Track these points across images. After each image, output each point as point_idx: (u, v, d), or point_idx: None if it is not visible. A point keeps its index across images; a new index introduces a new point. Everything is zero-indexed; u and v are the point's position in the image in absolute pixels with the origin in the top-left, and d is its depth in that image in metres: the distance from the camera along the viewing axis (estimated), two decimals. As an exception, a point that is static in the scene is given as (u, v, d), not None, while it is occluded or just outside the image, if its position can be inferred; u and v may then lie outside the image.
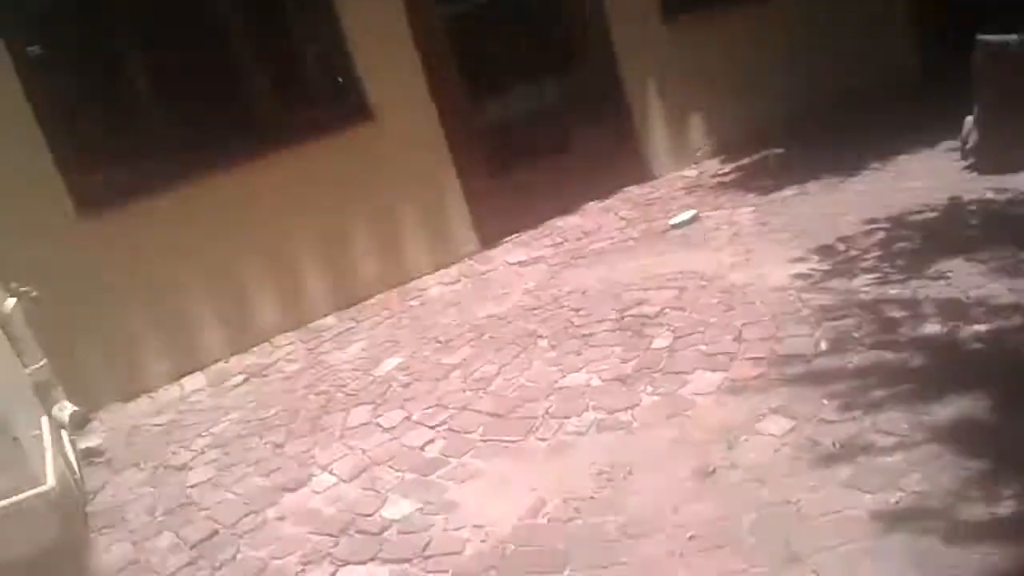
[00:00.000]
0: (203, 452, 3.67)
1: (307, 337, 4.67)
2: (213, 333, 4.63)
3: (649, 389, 3.15)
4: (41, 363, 3.87)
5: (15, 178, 4.07)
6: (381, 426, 3.45)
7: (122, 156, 4.45)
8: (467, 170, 5.23)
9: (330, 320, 4.81)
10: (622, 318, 3.79)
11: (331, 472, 3.22)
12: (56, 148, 4.18)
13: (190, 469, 3.55)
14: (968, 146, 4.61)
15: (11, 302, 3.79)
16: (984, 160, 4.47)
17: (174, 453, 3.74)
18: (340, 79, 4.99)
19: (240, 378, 4.38)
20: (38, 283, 3.86)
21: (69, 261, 4.18)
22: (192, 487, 3.41)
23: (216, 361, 4.60)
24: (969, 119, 4.60)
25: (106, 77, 4.51)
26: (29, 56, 4.18)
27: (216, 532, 3.04)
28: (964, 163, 4.60)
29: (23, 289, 3.90)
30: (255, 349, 4.65)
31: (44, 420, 3.59)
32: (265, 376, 4.34)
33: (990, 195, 4.12)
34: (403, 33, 4.96)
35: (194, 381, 4.47)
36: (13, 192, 4.07)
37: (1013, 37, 4.35)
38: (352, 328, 4.66)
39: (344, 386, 3.92)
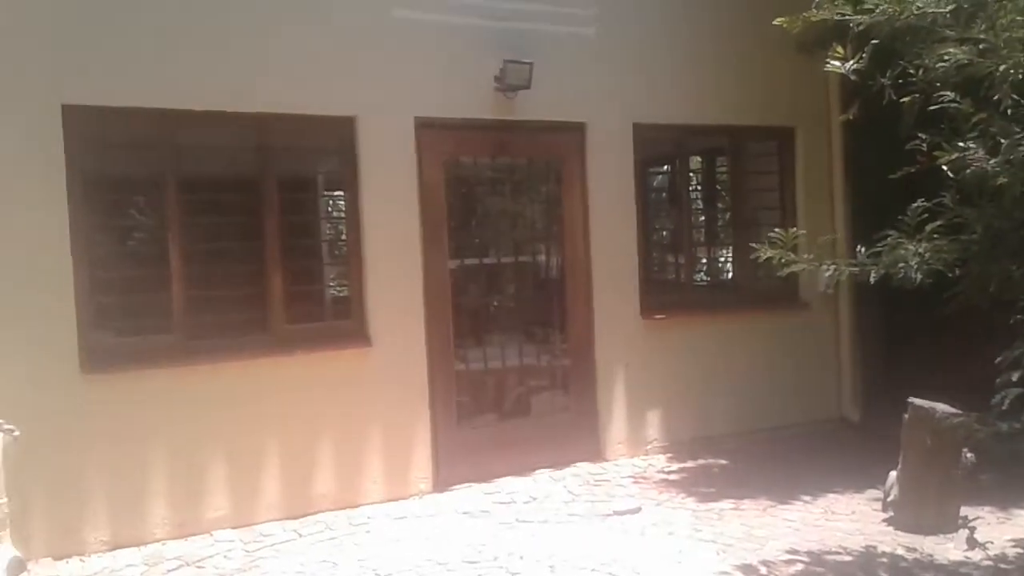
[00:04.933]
0: (129, 629, 3.99)
1: (247, 538, 5.06)
2: (159, 512, 5.03)
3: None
4: (2, 501, 4.26)
5: (37, 324, 4.70)
6: (312, 641, 3.84)
7: (136, 326, 5.10)
8: (439, 412, 5.90)
9: (273, 527, 5.22)
10: (555, 589, 4.30)
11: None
12: (81, 307, 4.83)
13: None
14: (889, 499, 5.35)
15: (-5, 438, 4.25)
16: (901, 516, 5.20)
17: (98, 623, 4.06)
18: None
19: (175, 563, 4.72)
20: (27, 426, 4.34)
21: (58, 412, 4.71)
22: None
23: (155, 541, 4.97)
24: (893, 473, 5.37)
25: (142, 252, 5.27)
26: (83, 217, 4.93)
27: None
28: (884, 515, 5.34)
29: (7, 427, 4.37)
30: (195, 538, 5.03)
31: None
32: (201, 568, 4.68)
33: (901, 551, 4.81)
34: (415, 276, 5.82)
35: (128, 556, 4.81)
36: (31, 338, 4.68)
37: (941, 406, 5.17)
38: (293, 540, 5.06)
39: (279, 594, 4.31)
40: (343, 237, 5.93)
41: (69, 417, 4.79)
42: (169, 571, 4.64)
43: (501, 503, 5.65)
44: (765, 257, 4.31)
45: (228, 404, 5.21)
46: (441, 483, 5.88)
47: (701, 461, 6.54)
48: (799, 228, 7.00)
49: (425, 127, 5.86)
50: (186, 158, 5.24)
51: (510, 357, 6.40)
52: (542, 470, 6.20)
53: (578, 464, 6.36)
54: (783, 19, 5.11)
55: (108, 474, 4.91)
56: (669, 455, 6.67)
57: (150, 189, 5.29)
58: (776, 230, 4.34)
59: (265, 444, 5.34)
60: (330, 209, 6.09)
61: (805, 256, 4.31)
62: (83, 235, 4.93)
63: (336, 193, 6.03)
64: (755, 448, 6.70)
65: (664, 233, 7.87)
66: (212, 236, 5.34)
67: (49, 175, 4.78)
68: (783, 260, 4.27)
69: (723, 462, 6.52)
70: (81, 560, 4.75)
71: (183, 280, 5.17)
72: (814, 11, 4.65)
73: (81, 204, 4.92)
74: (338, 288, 6.09)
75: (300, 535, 5.13)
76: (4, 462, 4.29)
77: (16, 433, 4.37)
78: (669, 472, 6.36)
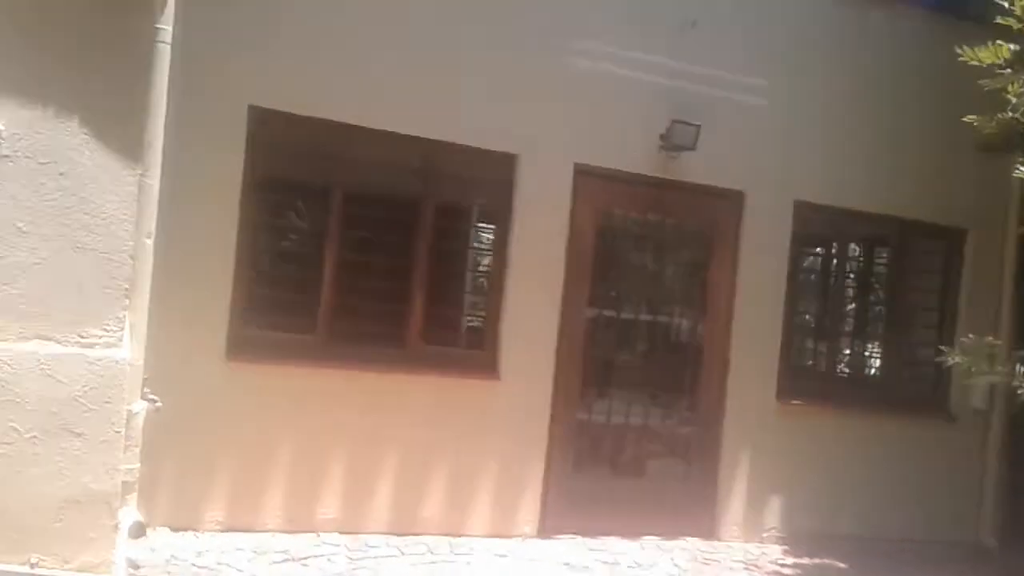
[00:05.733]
0: (230, 610, 4.11)
1: (352, 546, 5.14)
2: (274, 503, 5.20)
3: None
4: (135, 466, 4.47)
5: (195, 309, 4.99)
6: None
7: (283, 323, 5.34)
8: (556, 457, 5.86)
9: (377, 539, 5.29)
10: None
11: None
12: (235, 299, 5.11)
13: (215, 619, 3.98)
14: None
15: (141, 404, 4.49)
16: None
17: (204, 599, 4.19)
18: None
19: (280, 556, 4.85)
20: (169, 401, 4.56)
21: (200, 393, 4.97)
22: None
23: (265, 530, 5.13)
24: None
25: (298, 254, 5.55)
26: (251, 214, 5.23)
27: None
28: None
29: (152, 397, 4.61)
30: (302, 535, 5.15)
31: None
32: (305, 566, 4.79)
33: None
34: (552, 318, 5.85)
35: (238, 540, 4.98)
36: (188, 321, 4.95)
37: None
38: (395, 556, 5.11)
39: (374, 607, 4.34)
40: (487, 269, 6.03)
41: (209, 399, 5.02)
42: (274, 563, 4.76)
43: (604, 562, 5.52)
44: (952, 362, 4.08)
45: (356, 411, 5.35)
46: (546, 529, 5.80)
47: (818, 560, 6.19)
48: (958, 334, 6.76)
49: (584, 174, 5.93)
50: (354, 172, 5.48)
51: (634, 415, 6.27)
52: (650, 537, 6.02)
53: (688, 538, 6.15)
54: (975, 117, 4.91)
55: (234, 458, 5.12)
56: (785, 547, 6.34)
57: (317, 196, 5.53)
58: (969, 336, 4.07)
59: (383, 457, 5.44)
60: (479, 240, 6.21)
61: (999, 369, 4.05)
62: (249, 232, 5.21)
63: (487, 226, 6.15)
64: (878, 556, 6.28)
65: (808, 317, 7.60)
66: (366, 249, 5.53)
67: (228, 172, 5.09)
68: (973, 369, 4.02)
69: (842, 565, 6.14)
70: (195, 535, 4.94)
71: (333, 286, 5.38)
72: (1010, 113, 4.45)
73: (251, 202, 5.21)
74: (475, 318, 6.19)
75: (402, 553, 5.17)
76: (143, 430, 4.52)
77: (159, 404, 4.59)
78: (783, 565, 6.05)
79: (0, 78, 3.60)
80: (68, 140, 3.71)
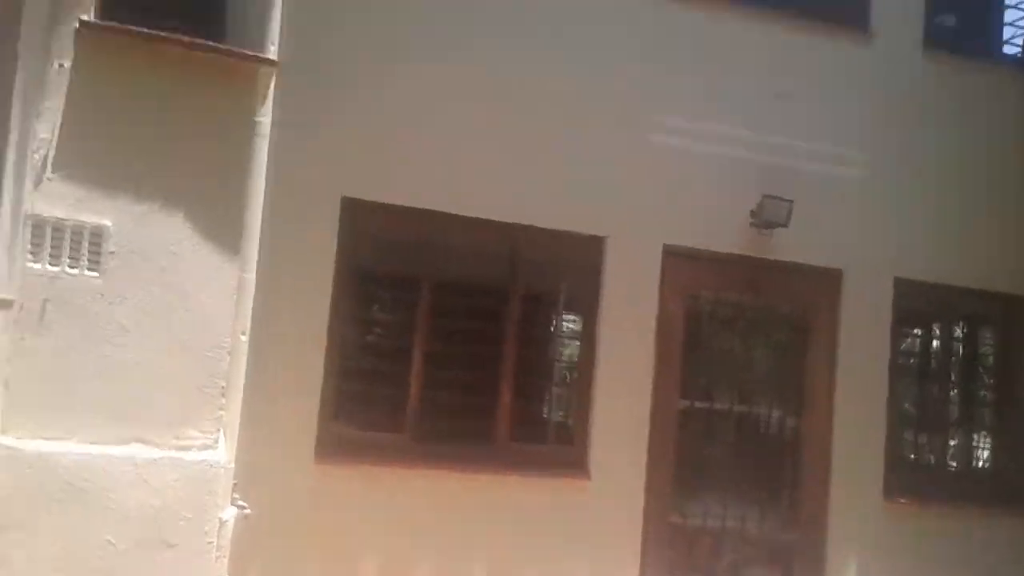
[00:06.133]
0: None
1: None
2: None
3: None
4: None
5: (285, 407, 4.85)
6: None
7: (370, 421, 5.18)
8: (650, 561, 5.53)
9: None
10: None
11: None
12: (325, 396, 4.94)
13: None
14: None
15: (231, 511, 4.30)
16: None
17: None
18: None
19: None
20: (257, 507, 4.37)
21: (288, 497, 4.80)
22: None
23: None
24: None
25: (385, 347, 5.42)
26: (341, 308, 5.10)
27: None
28: None
29: (241, 503, 4.42)
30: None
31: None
32: None
33: None
34: (643, 412, 5.59)
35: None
36: (278, 420, 4.81)
37: None
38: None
39: None
40: (574, 359, 5.82)
41: (296, 503, 4.83)
42: None
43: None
44: None
45: (443, 513, 5.12)
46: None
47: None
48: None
49: (672, 255, 5.75)
50: (442, 260, 5.37)
51: (730, 518, 5.90)
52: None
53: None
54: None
55: (320, 566, 4.88)
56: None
57: (405, 287, 5.37)
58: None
59: (471, 561, 5.20)
60: (566, 329, 6.02)
61: None
62: (339, 326, 5.10)
63: (574, 314, 5.96)
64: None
65: (908, 405, 7.18)
66: (453, 340, 5.34)
67: (320, 264, 5.01)
68: None
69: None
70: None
71: (421, 380, 5.21)
72: None
73: (342, 296, 5.11)
74: (563, 412, 5.95)
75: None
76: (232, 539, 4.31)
77: (247, 512, 4.40)
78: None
79: (109, 176, 3.56)
80: (171, 235, 3.65)
